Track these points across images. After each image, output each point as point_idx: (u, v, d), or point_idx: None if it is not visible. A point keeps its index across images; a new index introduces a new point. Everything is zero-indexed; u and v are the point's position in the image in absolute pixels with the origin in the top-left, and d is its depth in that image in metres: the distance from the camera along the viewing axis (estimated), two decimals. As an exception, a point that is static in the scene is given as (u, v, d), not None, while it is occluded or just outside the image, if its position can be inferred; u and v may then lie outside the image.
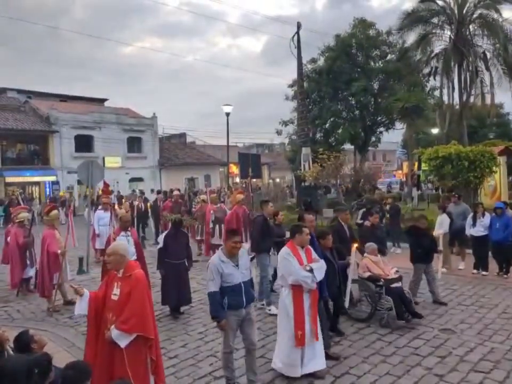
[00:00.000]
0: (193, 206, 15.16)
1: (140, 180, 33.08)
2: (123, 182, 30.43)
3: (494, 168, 13.10)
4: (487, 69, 23.97)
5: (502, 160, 14.76)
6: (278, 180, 44.05)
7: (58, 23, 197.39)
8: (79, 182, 25.62)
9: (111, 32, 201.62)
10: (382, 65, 28.19)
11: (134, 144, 33.82)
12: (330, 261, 5.69)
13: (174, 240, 6.98)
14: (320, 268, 4.84)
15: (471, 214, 9.41)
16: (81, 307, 3.91)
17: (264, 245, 7.34)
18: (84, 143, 30.52)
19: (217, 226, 11.14)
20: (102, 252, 11.92)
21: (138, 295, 3.83)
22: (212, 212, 11.28)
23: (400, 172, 49.81)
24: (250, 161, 20.24)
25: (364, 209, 10.92)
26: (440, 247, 7.19)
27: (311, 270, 4.71)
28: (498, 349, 5.44)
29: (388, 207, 12.42)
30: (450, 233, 9.52)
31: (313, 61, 28.73)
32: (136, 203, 14.21)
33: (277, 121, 29.46)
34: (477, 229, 9.10)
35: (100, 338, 3.89)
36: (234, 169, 35.52)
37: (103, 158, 29.92)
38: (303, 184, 21.03)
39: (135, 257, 6.43)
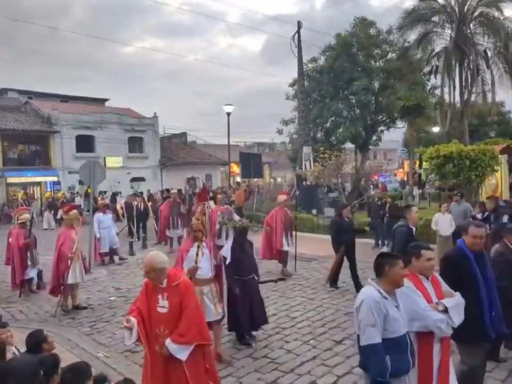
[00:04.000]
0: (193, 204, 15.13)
1: (142, 179, 33.13)
2: (124, 182, 30.48)
3: (495, 166, 13.08)
4: (488, 67, 24.04)
5: (503, 158, 14.72)
6: (279, 179, 44.04)
7: (59, 24, 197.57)
8: (80, 182, 25.67)
9: (111, 32, 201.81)
10: (382, 64, 28.18)
11: (135, 144, 33.87)
12: None
13: (242, 252, 5.96)
14: (457, 305, 3.43)
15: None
16: (133, 336, 3.61)
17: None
18: (85, 143, 30.56)
19: (223, 228, 10.90)
20: (105, 254, 11.85)
21: (191, 303, 3.66)
22: (219, 212, 10.91)
23: (401, 170, 49.86)
24: (251, 161, 20.28)
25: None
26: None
27: (445, 310, 3.36)
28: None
29: (387, 206, 12.50)
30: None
31: (314, 60, 28.74)
32: (135, 203, 14.27)
33: (278, 120, 29.55)
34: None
35: (151, 355, 3.63)
36: (235, 168, 35.53)
37: (104, 158, 29.98)
38: (304, 183, 21.06)
39: (212, 274, 5.36)
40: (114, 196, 25.20)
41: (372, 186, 21.78)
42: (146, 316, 3.64)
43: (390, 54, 28.36)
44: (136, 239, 13.83)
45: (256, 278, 6.10)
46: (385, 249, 12.17)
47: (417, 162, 25.12)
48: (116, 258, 11.88)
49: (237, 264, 5.80)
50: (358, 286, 7.74)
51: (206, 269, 5.27)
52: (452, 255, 4.07)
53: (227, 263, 5.76)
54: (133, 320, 3.57)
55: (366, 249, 12.48)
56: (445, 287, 3.58)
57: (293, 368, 5.16)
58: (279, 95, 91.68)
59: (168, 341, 3.54)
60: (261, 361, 5.43)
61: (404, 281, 3.35)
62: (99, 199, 17.15)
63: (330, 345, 5.78)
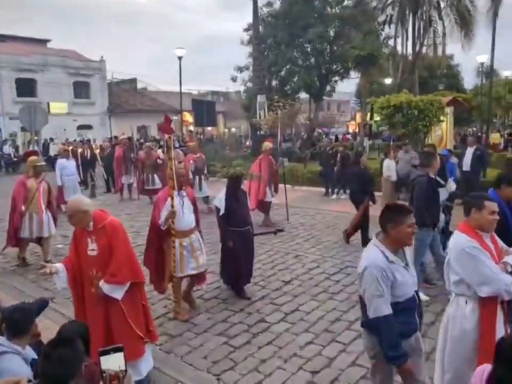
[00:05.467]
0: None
1: (89, 127, 31.71)
2: (71, 130, 29.10)
3: (441, 117, 13.54)
4: (440, 18, 24.25)
5: (449, 110, 15.26)
6: (233, 129, 43.58)
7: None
8: (22, 129, 24.26)
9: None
10: (338, 11, 27.81)
11: (81, 89, 32.06)
12: None
13: (237, 202, 5.60)
14: None
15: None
16: (62, 280, 3.70)
17: (429, 216, 5.28)
18: (26, 87, 28.61)
19: (197, 178, 10.43)
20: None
21: (120, 243, 3.67)
22: (191, 161, 10.48)
23: (353, 122, 50.66)
24: (205, 108, 19.82)
25: None
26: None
27: None
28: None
29: (338, 155, 12.80)
30: (398, 179, 10.03)
31: (270, 4, 27.89)
32: (80, 150, 13.72)
33: (233, 68, 28.80)
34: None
35: (87, 297, 3.74)
36: (188, 117, 34.65)
37: (48, 104, 28.26)
38: (258, 133, 20.94)
39: (192, 225, 5.13)
40: (47, 143, 24.08)
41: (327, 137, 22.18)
42: (77, 260, 3.72)
43: (346, 1, 27.97)
44: (84, 187, 13.42)
45: (251, 230, 5.86)
46: (334, 197, 12.63)
47: (369, 113, 25.57)
48: (63, 207, 11.39)
49: (231, 215, 5.49)
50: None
51: (186, 220, 5.00)
52: None
53: (220, 214, 5.46)
54: (58, 265, 3.69)
55: (317, 197, 12.88)
56: (500, 242, 3.17)
57: (242, 308, 5.33)
58: (234, 42, 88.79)
59: (101, 282, 3.62)
60: (212, 302, 5.56)
61: (467, 239, 2.99)
62: (61, 144, 16.41)
63: (279, 286, 5.99)
